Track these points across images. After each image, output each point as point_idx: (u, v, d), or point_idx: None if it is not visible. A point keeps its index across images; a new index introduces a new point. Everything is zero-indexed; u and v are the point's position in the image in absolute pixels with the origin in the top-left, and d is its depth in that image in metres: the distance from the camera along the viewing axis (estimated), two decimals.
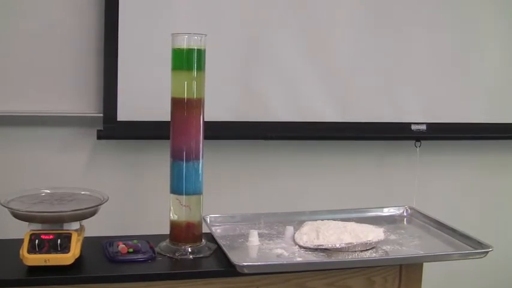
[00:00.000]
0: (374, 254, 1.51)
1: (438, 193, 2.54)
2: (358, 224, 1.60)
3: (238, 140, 2.31)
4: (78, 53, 2.16)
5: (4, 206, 1.43)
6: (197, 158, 1.52)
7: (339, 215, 1.74)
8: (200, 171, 1.53)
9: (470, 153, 2.56)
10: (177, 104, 1.51)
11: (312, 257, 1.48)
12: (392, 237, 1.63)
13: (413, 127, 2.39)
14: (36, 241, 1.37)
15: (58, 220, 1.42)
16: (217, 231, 1.65)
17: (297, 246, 1.54)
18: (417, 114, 2.40)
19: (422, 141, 2.43)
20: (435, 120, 2.41)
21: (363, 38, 2.32)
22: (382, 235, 1.56)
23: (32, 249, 1.36)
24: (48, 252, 1.37)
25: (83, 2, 2.14)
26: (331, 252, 1.50)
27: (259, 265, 1.44)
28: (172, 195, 1.53)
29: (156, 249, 1.52)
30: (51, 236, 1.39)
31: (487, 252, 1.50)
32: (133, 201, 2.27)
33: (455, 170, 2.57)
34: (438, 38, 2.39)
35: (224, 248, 1.48)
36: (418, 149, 2.44)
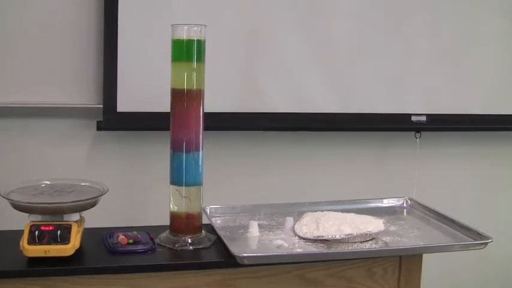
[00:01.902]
0: (374, 245, 1.51)
1: (438, 184, 2.54)
2: (358, 215, 1.60)
3: (238, 131, 2.31)
4: (78, 44, 2.15)
5: (4, 198, 1.43)
6: (197, 149, 1.51)
7: (339, 206, 1.73)
8: (200, 163, 1.53)
9: (471, 144, 2.56)
10: (177, 95, 1.50)
11: (311, 248, 1.48)
12: (392, 228, 1.63)
13: (413, 118, 2.39)
14: (36, 232, 1.37)
15: (58, 211, 1.42)
16: (217, 222, 1.65)
17: (297, 237, 1.54)
18: (417, 106, 2.39)
19: (422, 133, 2.43)
20: (435, 112, 2.41)
21: (363, 28, 2.32)
22: (382, 226, 1.56)
23: (32, 241, 1.36)
24: (48, 243, 1.36)
25: None
26: (331, 243, 1.50)
27: (259, 256, 1.44)
28: (172, 186, 1.53)
29: (156, 240, 1.52)
30: (51, 227, 1.39)
31: (487, 243, 1.50)
32: (133, 192, 2.27)
33: (455, 162, 2.56)
34: (438, 28, 2.38)
35: (224, 239, 1.48)
36: (418, 140, 2.44)
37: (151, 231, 1.55)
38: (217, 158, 2.22)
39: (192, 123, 1.50)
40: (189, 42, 1.49)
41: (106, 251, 1.46)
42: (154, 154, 2.21)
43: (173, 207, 1.54)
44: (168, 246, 1.50)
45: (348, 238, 1.51)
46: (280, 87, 2.28)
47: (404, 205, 1.84)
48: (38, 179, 1.56)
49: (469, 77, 2.44)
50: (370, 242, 1.53)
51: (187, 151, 1.50)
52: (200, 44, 1.50)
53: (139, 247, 1.47)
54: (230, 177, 2.35)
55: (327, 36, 2.30)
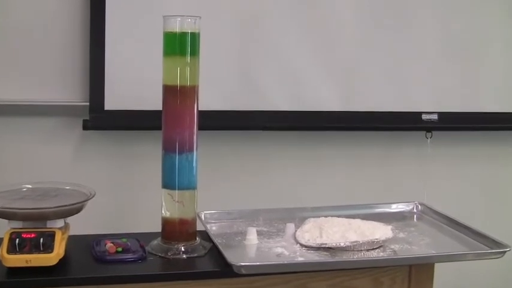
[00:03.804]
0: (381, 254, 1.51)
1: (451, 188, 2.54)
2: (365, 221, 1.60)
3: (235, 131, 2.31)
4: (62, 37, 2.15)
5: None
6: (191, 150, 1.51)
7: (344, 212, 1.73)
8: (194, 164, 1.52)
9: (485, 145, 2.56)
10: (170, 92, 1.50)
11: (314, 257, 1.48)
12: (401, 235, 1.63)
13: (423, 117, 2.39)
14: (17, 240, 1.37)
15: (41, 217, 1.42)
16: (212, 228, 1.65)
17: (299, 244, 1.54)
18: (428, 103, 2.40)
19: (433, 132, 2.43)
20: (447, 110, 2.41)
21: (369, 20, 2.32)
22: (390, 233, 1.56)
23: (12, 249, 1.36)
24: (30, 252, 1.36)
25: None
26: (335, 252, 1.50)
27: (257, 265, 1.44)
28: (164, 190, 1.53)
29: (147, 248, 1.52)
30: (33, 235, 1.38)
31: (504, 252, 1.50)
32: (122, 196, 2.27)
33: (469, 163, 2.56)
34: (450, 21, 2.39)
35: (220, 247, 1.48)
36: (429, 140, 2.44)
37: (142, 238, 1.55)
38: (212, 159, 2.22)
39: (185, 122, 1.50)
40: (182, 35, 1.49)
41: (93, 259, 1.46)
42: (144, 155, 2.21)
43: (165, 213, 1.53)
44: (160, 254, 1.50)
45: (353, 246, 1.51)
46: (280, 83, 2.28)
47: (414, 210, 1.84)
48: (19, 183, 1.56)
49: (483, 73, 2.44)
50: (377, 250, 1.53)
51: (180, 152, 1.50)
52: (194, 36, 1.50)
53: (129, 256, 1.47)
54: (226, 180, 2.35)
55: (330, 28, 2.30)
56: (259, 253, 1.51)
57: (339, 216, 1.65)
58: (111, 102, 2.15)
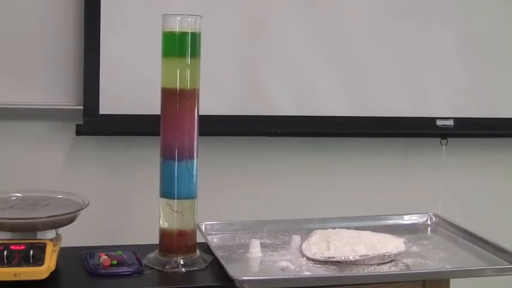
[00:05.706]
0: (393, 268, 1.51)
1: (467, 198, 2.53)
2: (375, 234, 1.60)
3: (238, 137, 2.31)
4: (55, 36, 2.15)
5: None
6: (191, 157, 1.51)
7: (353, 223, 1.74)
8: (194, 172, 1.53)
9: (504, 152, 2.55)
10: (169, 95, 1.50)
11: (321, 271, 1.48)
12: (414, 248, 1.63)
13: (438, 122, 2.39)
14: (5, 252, 1.37)
15: (31, 228, 1.42)
16: (213, 240, 1.65)
17: (305, 258, 1.54)
18: (443, 108, 2.39)
19: (449, 139, 2.43)
20: (464, 115, 2.41)
21: (381, 20, 2.32)
22: (403, 246, 1.56)
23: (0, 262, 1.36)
24: (18, 265, 1.36)
25: None
26: (344, 266, 1.50)
27: (261, 280, 1.43)
28: (162, 199, 1.53)
29: (144, 261, 1.52)
30: (22, 247, 1.38)
31: None
32: (118, 206, 2.27)
33: (487, 172, 2.56)
34: (466, 23, 2.38)
35: (221, 260, 1.48)
36: (444, 147, 2.44)
37: (138, 250, 1.55)
38: (214, 167, 2.22)
39: (185, 127, 1.50)
40: (182, 35, 1.49)
41: (86, 273, 1.46)
42: (141, 162, 2.21)
43: (163, 224, 1.53)
44: (157, 268, 1.50)
45: (363, 260, 1.51)
46: (287, 86, 2.28)
47: (428, 222, 1.84)
48: (7, 191, 1.57)
49: (502, 76, 2.44)
50: (388, 264, 1.53)
51: (179, 159, 1.50)
52: (195, 37, 1.50)
53: (124, 269, 1.47)
54: (228, 190, 2.35)
55: (340, 30, 2.30)
56: (263, 267, 1.51)
57: (347, 228, 1.65)
58: (107, 106, 2.15)
